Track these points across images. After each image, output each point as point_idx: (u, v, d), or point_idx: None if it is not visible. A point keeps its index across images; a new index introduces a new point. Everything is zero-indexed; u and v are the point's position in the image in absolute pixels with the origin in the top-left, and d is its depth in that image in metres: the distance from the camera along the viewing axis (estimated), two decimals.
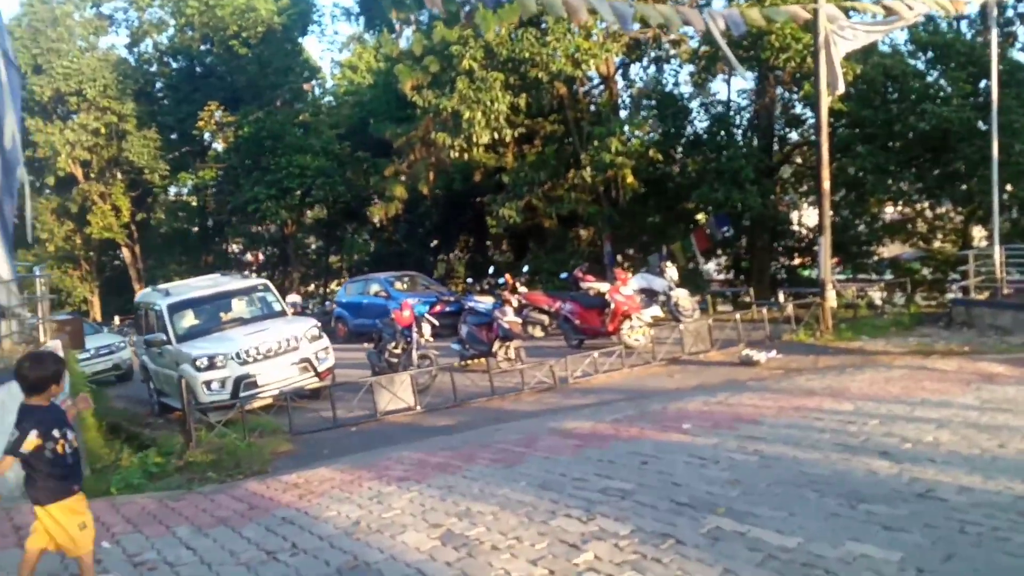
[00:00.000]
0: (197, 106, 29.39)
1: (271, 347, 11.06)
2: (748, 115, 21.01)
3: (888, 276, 19.76)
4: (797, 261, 22.85)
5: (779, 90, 20.12)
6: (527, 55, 17.40)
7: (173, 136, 32.44)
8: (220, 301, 12.31)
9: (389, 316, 12.35)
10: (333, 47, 78.82)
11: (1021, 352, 9.41)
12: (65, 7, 31.13)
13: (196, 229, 36.16)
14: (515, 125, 18.84)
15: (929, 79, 17.35)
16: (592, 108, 21.95)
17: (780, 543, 3.80)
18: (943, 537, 3.72)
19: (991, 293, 12.52)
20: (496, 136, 18.12)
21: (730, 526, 4.08)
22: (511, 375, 10.50)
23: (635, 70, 23.09)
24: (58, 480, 3.56)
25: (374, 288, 19.32)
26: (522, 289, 16.60)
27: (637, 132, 18.47)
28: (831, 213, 14.21)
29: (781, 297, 14.39)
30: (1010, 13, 18.66)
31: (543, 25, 17.93)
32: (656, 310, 14.40)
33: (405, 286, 19.42)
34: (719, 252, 23.44)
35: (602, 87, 22.47)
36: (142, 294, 13.41)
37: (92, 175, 31.80)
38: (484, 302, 14.67)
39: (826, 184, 12.67)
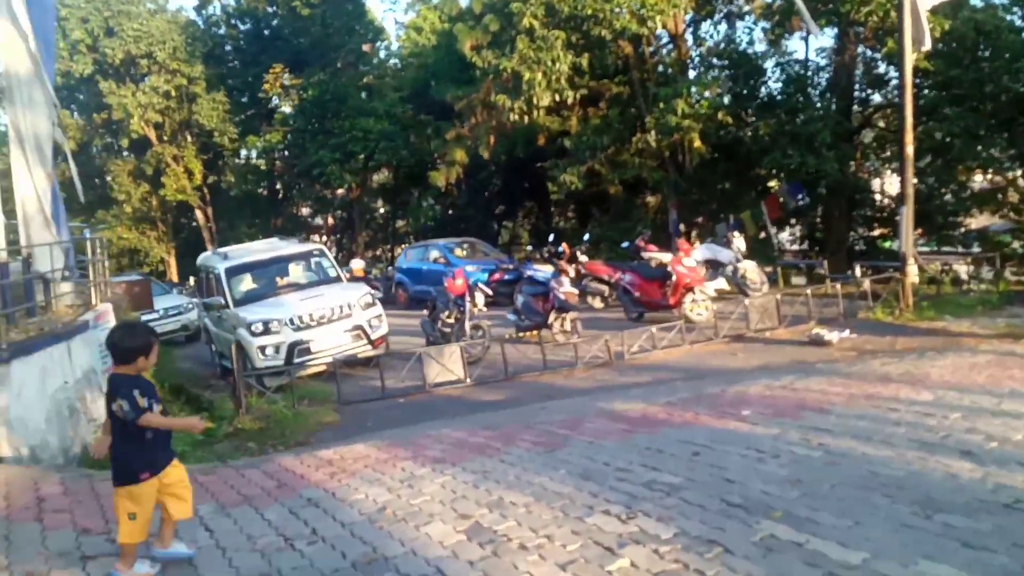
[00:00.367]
0: (264, 69, 29.60)
1: (324, 314, 10.99)
2: (827, 76, 19.83)
3: (976, 249, 18.51)
4: (877, 232, 21.62)
5: (860, 49, 18.89)
6: (590, 11, 16.69)
7: (242, 99, 32.85)
8: (276, 265, 12.31)
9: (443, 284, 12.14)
10: (396, 7, 78.50)
11: None
12: None
13: (265, 192, 36.73)
14: (577, 87, 18.22)
15: None
16: (660, 69, 21.08)
17: (842, 558, 3.38)
18: None
19: None
20: (558, 98, 17.56)
21: (787, 534, 3.67)
22: (565, 349, 10.17)
23: (706, 28, 22.01)
24: (131, 459, 3.49)
25: (433, 254, 19.16)
26: (583, 258, 16.17)
27: (706, 93, 17.57)
28: (915, 180, 13.26)
29: (858, 271, 13.56)
30: None
31: None
32: (722, 283, 13.80)
33: (465, 253, 19.21)
34: (792, 222, 22.42)
35: (671, 46, 21.55)
36: (203, 257, 13.54)
37: (165, 138, 32.51)
38: (543, 271, 14.30)
39: (909, 149, 11.75)
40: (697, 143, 17.34)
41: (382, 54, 36.70)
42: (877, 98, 20.31)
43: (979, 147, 16.69)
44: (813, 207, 21.21)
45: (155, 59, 29.99)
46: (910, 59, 11.64)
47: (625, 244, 16.01)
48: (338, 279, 12.32)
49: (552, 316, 11.56)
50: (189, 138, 32.71)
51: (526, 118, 18.44)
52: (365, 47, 30.93)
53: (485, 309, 11.55)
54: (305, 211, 39.28)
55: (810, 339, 9.78)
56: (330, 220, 38.91)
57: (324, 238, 39.72)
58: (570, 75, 17.55)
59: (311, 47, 29.98)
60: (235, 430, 7.94)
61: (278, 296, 11.56)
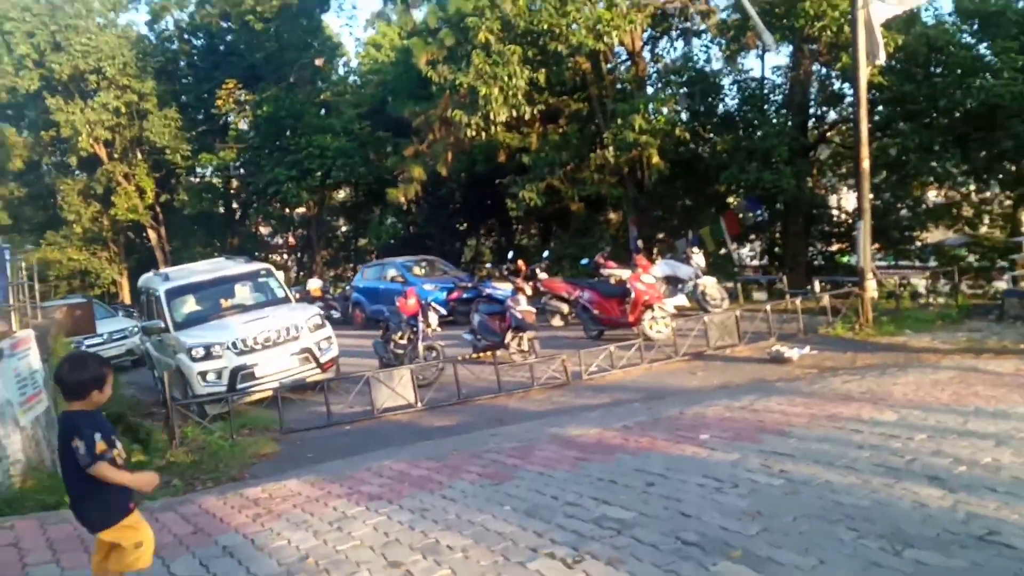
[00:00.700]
0: (218, 84, 28.90)
1: (270, 336, 10.49)
2: (783, 93, 19.91)
3: (932, 263, 18.63)
4: (835, 247, 21.73)
5: (816, 67, 19.01)
6: (546, 26, 16.49)
7: (196, 116, 32.10)
8: (221, 286, 11.77)
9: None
10: (354, 23, 77.97)
11: None
12: None
13: (222, 211, 35.88)
14: (535, 102, 17.99)
15: (977, 51, 16.12)
16: (618, 86, 20.98)
17: None
18: None
19: None
20: (515, 114, 17.28)
21: None
22: (522, 369, 9.81)
23: (663, 45, 22.04)
24: (116, 496, 3.28)
25: (391, 273, 18.73)
26: (542, 275, 15.87)
27: (663, 109, 17.46)
28: (871, 196, 13.23)
29: (816, 286, 13.46)
30: None
31: None
32: (682, 299, 13.58)
33: (423, 271, 18.81)
34: (752, 237, 22.44)
35: (629, 63, 21.49)
36: (144, 278, 12.94)
37: (116, 155, 31.55)
38: (502, 289, 13.98)
39: (865, 163, 11.68)
40: (655, 159, 17.20)
41: (341, 71, 36.23)
42: (833, 115, 20.46)
43: (933, 163, 16.81)
44: (772, 223, 21.24)
45: (104, 75, 29.07)
46: (864, 72, 11.60)
47: (584, 261, 15.77)
48: (286, 300, 11.82)
49: (509, 336, 11.20)
50: (140, 156, 31.79)
51: (483, 134, 18.14)
52: (318, 61, 30.42)
53: (439, 329, 11.15)
54: (265, 230, 38.49)
55: (770, 356, 9.56)
56: (290, 239, 38.18)
57: (284, 257, 38.99)
58: (527, 91, 17.30)
59: (265, 62, 29.41)
60: (167, 463, 7.42)
61: (222, 318, 11.01)
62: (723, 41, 19.59)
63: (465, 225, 31.09)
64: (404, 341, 10.95)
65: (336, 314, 20.92)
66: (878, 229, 16.55)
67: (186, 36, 32.29)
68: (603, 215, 23.78)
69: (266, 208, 33.23)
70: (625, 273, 12.32)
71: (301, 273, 34.69)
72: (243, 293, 12.00)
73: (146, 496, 5.99)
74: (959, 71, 15.30)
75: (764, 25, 14.27)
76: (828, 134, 20.49)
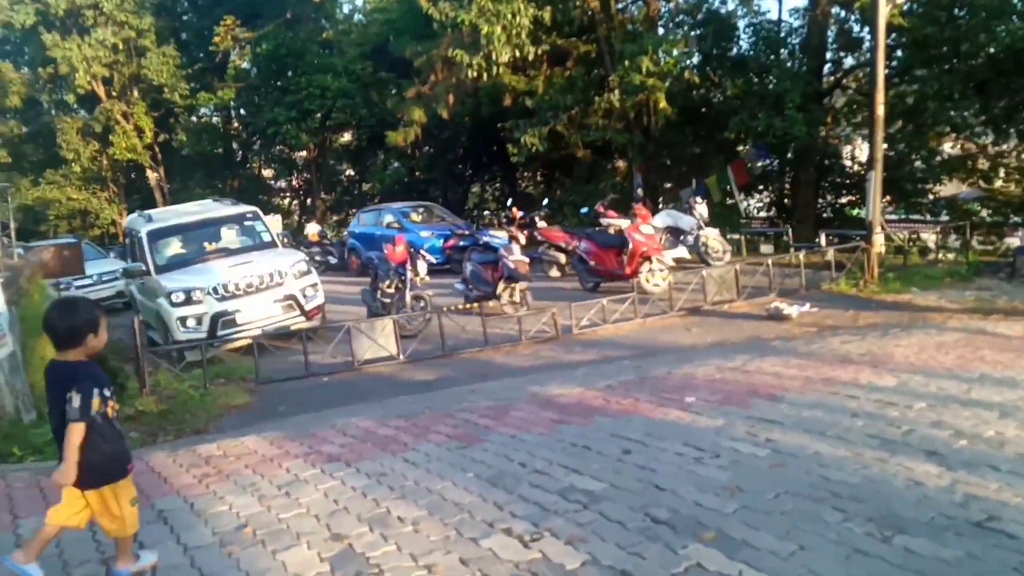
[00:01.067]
0: (218, 21, 28.11)
1: (252, 282, 10.16)
2: (800, 36, 19.08)
3: (944, 218, 18.07)
4: (846, 200, 21.12)
5: (835, 10, 18.15)
6: None
7: (196, 54, 31.33)
8: (205, 229, 11.41)
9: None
10: None
11: None
12: None
13: (221, 152, 35.32)
14: (540, 42, 17.28)
15: None
16: (628, 27, 20.16)
17: None
18: None
19: None
20: (518, 54, 16.61)
21: (716, 563, 3.03)
22: (511, 322, 9.46)
23: None
24: (114, 451, 3.12)
25: (387, 219, 18.32)
26: (541, 224, 15.43)
27: (673, 51, 16.70)
28: (884, 146, 12.67)
29: (823, 239, 13.00)
30: None
31: None
32: (683, 252, 13.17)
33: (420, 217, 18.38)
34: (760, 188, 21.82)
35: (640, 3, 20.64)
36: (129, 219, 12.61)
37: (114, 94, 30.93)
38: (500, 237, 13.55)
39: (880, 109, 11.10)
40: (663, 104, 16.53)
41: (346, 9, 35.24)
42: (850, 61, 19.64)
43: (951, 111, 16.13)
44: (782, 173, 20.63)
45: (101, 10, 28.26)
46: (884, 11, 10.94)
47: (584, 210, 15.31)
48: (272, 244, 11.44)
49: (501, 286, 10.84)
50: (138, 94, 31.15)
51: (486, 75, 17.47)
52: None
53: (428, 278, 10.79)
54: (268, 173, 37.99)
55: (769, 313, 9.17)
56: (294, 182, 37.70)
57: (287, 201, 38.56)
58: (531, 30, 16.60)
59: None
60: (136, 413, 7.16)
61: (205, 263, 10.67)
62: None
63: (469, 171, 30.49)
64: (392, 290, 10.60)
65: (333, 260, 20.61)
66: (890, 181, 15.97)
67: None
68: (610, 163, 23.18)
69: (268, 150, 32.67)
70: (624, 223, 11.85)
71: (304, 217, 34.29)
72: (229, 237, 11.64)
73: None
74: (984, 13, 14.51)
75: None
76: (844, 80, 19.71)
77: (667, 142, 19.89)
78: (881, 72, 11.08)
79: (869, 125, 11.84)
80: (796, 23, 19.29)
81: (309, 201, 36.07)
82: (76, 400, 2.96)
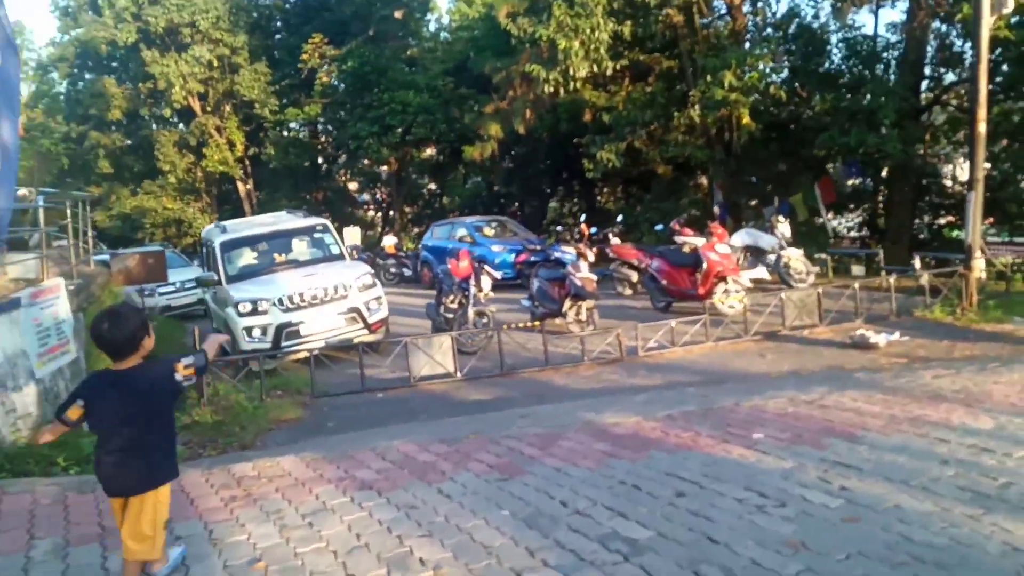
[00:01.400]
0: (307, 39, 28.93)
1: (317, 294, 10.14)
2: (896, 52, 18.08)
3: None
4: (944, 221, 19.84)
5: (935, 24, 17.12)
6: None
7: (286, 71, 32.31)
8: (275, 240, 11.51)
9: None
10: None
11: None
12: None
13: (307, 165, 36.27)
14: (619, 57, 16.92)
15: None
16: (713, 42, 19.58)
17: None
18: None
19: None
20: (596, 69, 16.29)
21: None
22: (575, 341, 9.08)
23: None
24: (171, 451, 3.33)
25: (460, 232, 18.22)
26: (615, 241, 15.04)
27: (759, 65, 16.05)
28: (987, 166, 11.76)
29: (917, 263, 12.11)
30: None
31: None
32: (762, 272, 12.52)
33: (493, 232, 18.22)
34: (852, 206, 20.75)
35: (728, 17, 20.00)
36: (205, 230, 12.86)
37: (208, 108, 32.20)
38: (571, 252, 13.24)
39: (981, 126, 10.26)
40: (746, 119, 15.90)
41: (432, 27, 35.75)
42: (951, 77, 18.48)
43: None
44: (875, 191, 19.57)
45: (198, 28, 29.55)
46: (987, 23, 10.12)
47: (659, 227, 14.81)
48: (340, 257, 11.45)
49: (567, 304, 10.50)
50: (231, 109, 32.34)
51: (563, 91, 17.24)
52: (398, 14, 29.91)
53: (492, 294, 10.55)
54: (353, 186, 38.84)
55: (853, 341, 8.51)
56: (378, 195, 38.39)
57: (371, 213, 39.29)
58: (610, 44, 16.27)
59: (354, 16, 29.19)
60: (192, 422, 7.15)
61: (272, 274, 10.75)
62: None
63: (548, 186, 30.28)
64: (455, 305, 10.41)
65: (408, 272, 20.69)
66: (993, 202, 14.89)
67: None
68: (691, 179, 22.54)
69: (352, 164, 33.26)
70: (699, 241, 11.34)
71: (386, 229, 34.82)
72: (299, 248, 11.72)
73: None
74: None
75: None
76: (944, 97, 18.57)
77: (751, 159, 19.17)
78: (984, 87, 10.26)
79: (970, 143, 10.98)
80: (893, 38, 18.33)
81: (392, 214, 36.65)
82: (191, 359, 3.20)
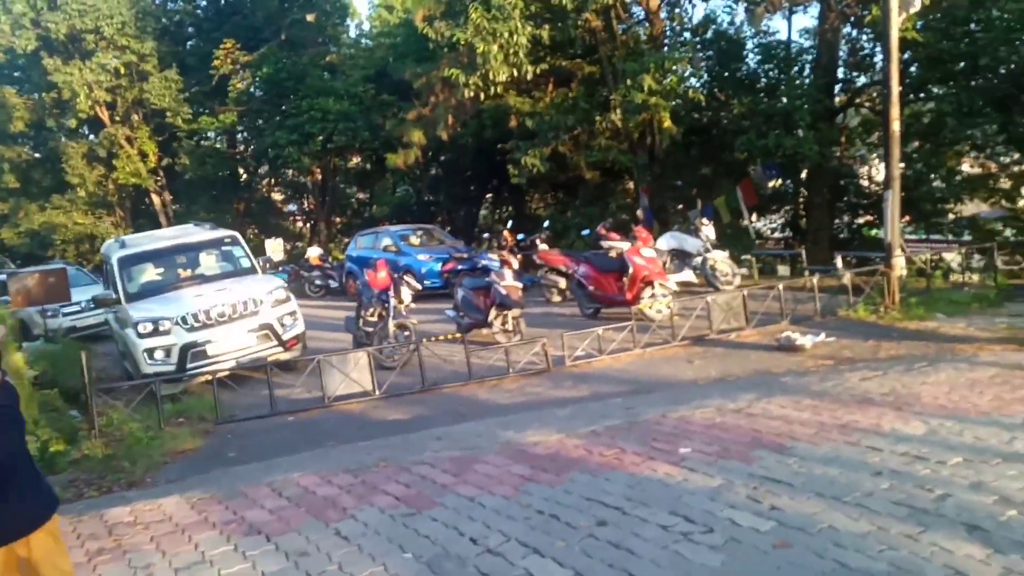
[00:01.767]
0: (219, 45, 27.90)
1: (225, 311, 9.49)
2: (810, 57, 18.41)
3: (966, 237, 17.21)
4: (863, 220, 20.29)
5: (847, 29, 17.51)
6: None
7: (198, 78, 31.11)
8: (179, 255, 10.79)
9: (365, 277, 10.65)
10: None
11: None
12: None
13: (228, 175, 35.03)
14: (539, 62, 16.70)
15: None
16: (632, 46, 19.58)
17: None
18: None
19: None
20: (516, 74, 16.02)
21: None
22: (500, 352, 8.70)
23: (684, 2, 20.49)
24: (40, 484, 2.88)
25: (385, 242, 17.68)
26: (542, 247, 14.77)
27: (675, 67, 16.05)
28: (902, 165, 11.91)
29: (839, 262, 12.18)
30: None
31: None
32: (689, 275, 12.40)
33: (418, 240, 17.73)
34: (774, 208, 21.05)
35: (646, 23, 20.05)
36: (105, 245, 12.02)
37: (117, 118, 30.73)
38: (496, 260, 12.89)
39: (895, 125, 10.34)
40: (667, 123, 15.86)
41: (353, 33, 35.03)
42: (863, 80, 18.93)
43: (970, 130, 15.37)
44: (796, 192, 19.87)
45: (102, 34, 28.13)
46: (896, 22, 10.21)
47: (586, 232, 14.62)
48: (252, 270, 10.80)
49: (492, 313, 10.13)
50: (141, 118, 30.94)
51: (484, 96, 16.90)
52: (309, 17, 29.17)
53: (413, 305, 10.10)
54: (278, 196, 37.69)
55: (780, 343, 8.38)
56: (306, 205, 37.39)
57: (299, 224, 38.29)
58: (529, 49, 16.02)
59: (267, 22, 28.31)
60: (81, 456, 6.50)
61: (177, 290, 10.03)
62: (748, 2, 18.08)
63: (476, 193, 29.94)
64: (374, 318, 9.91)
65: (334, 283, 20.03)
66: (908, 201, 15.18)
67: None
68: (619, 184, 22.52)
69: (275, 173, 32.24)
70: (624, 246, 11.11)
71: (313, 240, 33.93)
72: (207, 262, 11.02)
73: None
74: (1005, 25, 13.78)
75: None
76: (858, 100, 18.99)
77: (674, 163, 19.24)
78: (895, 87, 10.35)
79: (885, 141, 11.08)
80: (806, 43, 18.67)
81: (319, 224, 35.74)
82: None
